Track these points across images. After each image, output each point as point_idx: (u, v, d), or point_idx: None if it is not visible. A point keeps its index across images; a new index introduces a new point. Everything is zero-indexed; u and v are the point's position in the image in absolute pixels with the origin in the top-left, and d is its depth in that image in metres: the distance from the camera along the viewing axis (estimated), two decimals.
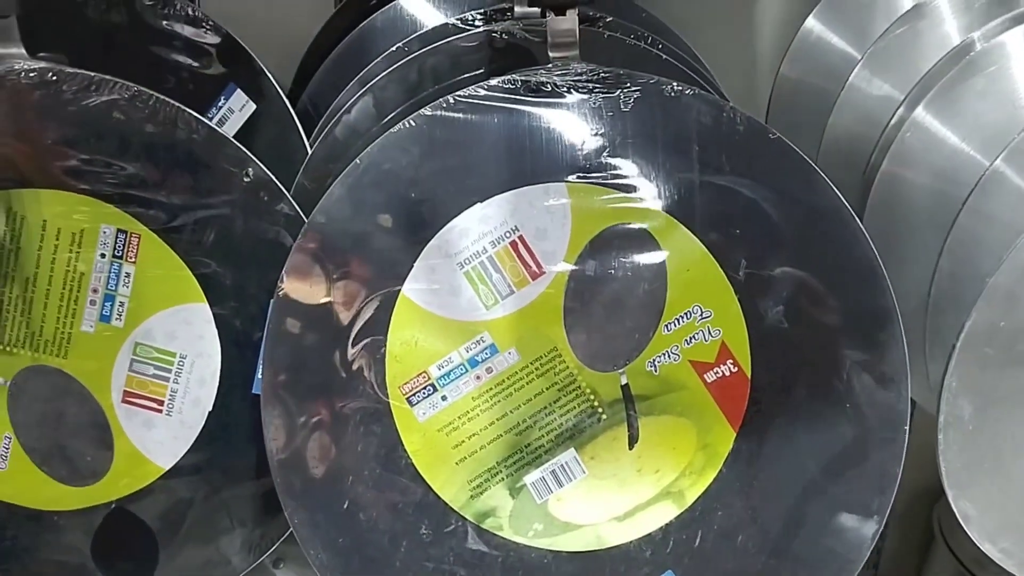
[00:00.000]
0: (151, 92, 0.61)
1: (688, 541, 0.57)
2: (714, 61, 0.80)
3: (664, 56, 0.66)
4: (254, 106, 0.71)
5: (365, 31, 0.73)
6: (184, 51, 0.72)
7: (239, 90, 0.71)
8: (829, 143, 0.74)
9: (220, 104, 0.72)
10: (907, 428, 0.56)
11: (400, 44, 0.68)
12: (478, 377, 0.59)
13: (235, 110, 0.72)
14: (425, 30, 0.68)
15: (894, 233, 0.69)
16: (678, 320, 0.58)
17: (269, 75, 0.71)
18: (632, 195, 0.58)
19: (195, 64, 0.72)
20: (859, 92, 0.74)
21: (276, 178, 0.64)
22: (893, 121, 0.69)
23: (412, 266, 0.59)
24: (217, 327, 0.64)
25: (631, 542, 0.58)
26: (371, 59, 0.69)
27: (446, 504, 0.59)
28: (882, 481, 0.56)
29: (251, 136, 0.72)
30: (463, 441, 0.59)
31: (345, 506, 0.59)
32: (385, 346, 0.59)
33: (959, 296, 0.61)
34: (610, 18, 0.68)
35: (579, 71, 0.57)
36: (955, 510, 0.60)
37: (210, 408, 0.65)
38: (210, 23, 0.71)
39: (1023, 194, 0.62)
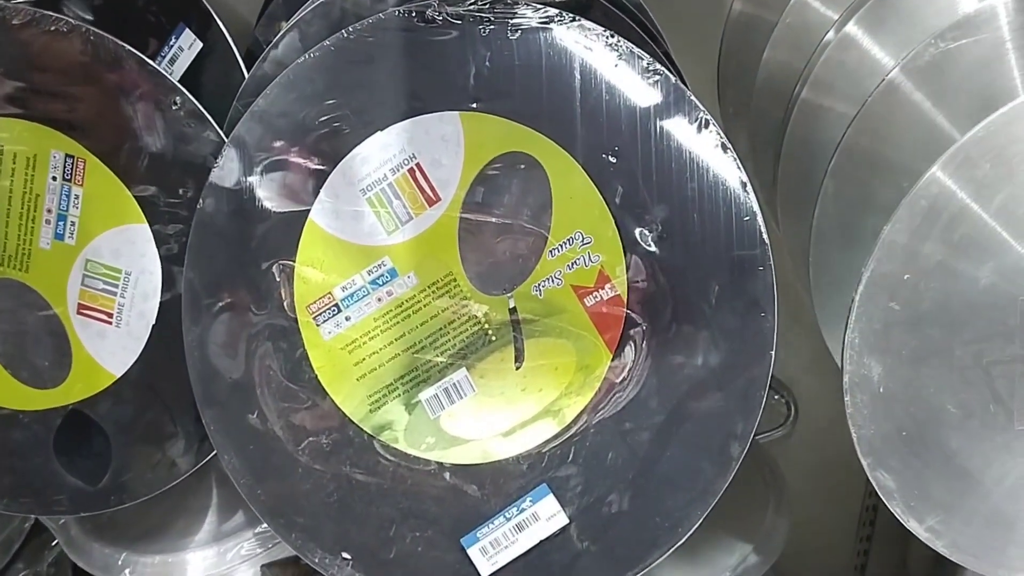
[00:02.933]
0: (88, 26, 0.66)
1: (562, 457, 0.60)
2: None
3: None
4: (201, 44, 0.76)
5: None
6: None
7: (188, 30, 0.75)
8: (762, 79, 0.73)
9: (171, 43, 0.76)
10: (772, 353, 0.57)
11: None
12: (379, 299, 0.63)
13: (184, 48, 0.76)
14: None
15: (811, 166, 0.68)
16: (561, 246, 0.60)
17: (215, 16, 0.75)
18: (520, 123, 0.60)
19: (148, 5, 0.77)
20: (797, 21, 0.72)
21: (219, 110, 0.68)
22: (818, 49, 0.68)
23: (319, 192, 0.62)
24: (156, 246, 0.70)
25: (513, 457, 0.61)
26: None
27: (347, 417, 0.63)
28: (747, 404, 0.58)
29: (200, 72, 0.77)
30: (364, 359, 0.63)
31: (255, 415, 0.64)
32: (294, 267, 0.63)
33: (846, 225, 0.60)
34: None
35: (470, 2, 0.59)
36: (872, 482, 0.59)
37: (153, 321, 0.71)
38: None
39: (918, 109, 0.59)
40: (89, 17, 0.77)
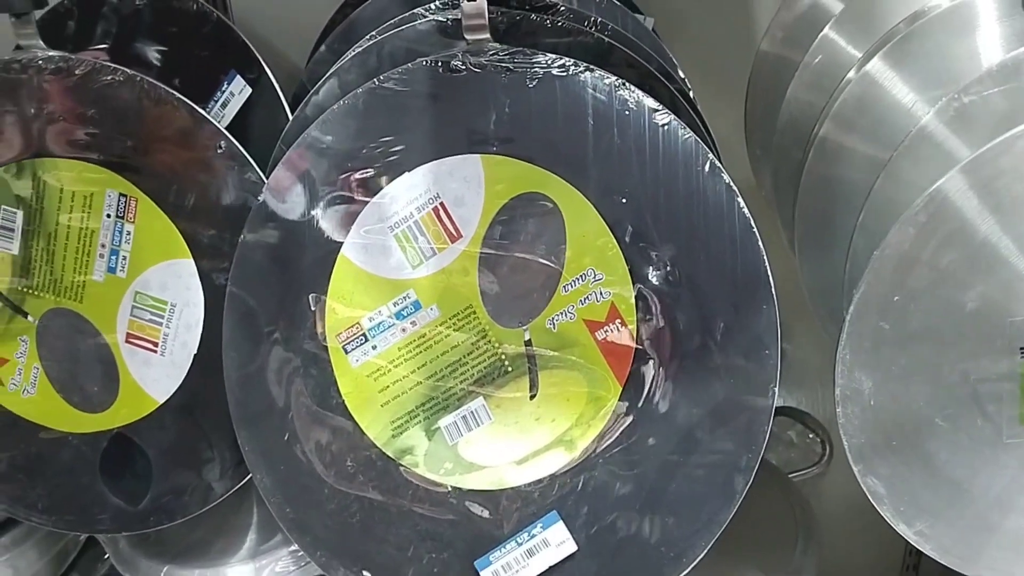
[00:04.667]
0: (142, 76, 0.72)
1: (572, 486, 0.63)
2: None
3: (607, 40, 0.71)
4: (251, 90, 0.82)
5: (354, 20, 0.82)
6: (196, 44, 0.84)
7: (239, 76, 0.81)
8: (785, 118, 0.76)
9: (224, 88, 0.82)
10: (775, 388, 0.59)
11: (374, 33, 0.76)
12: (404, 330, 0.67)
13: (235, 93, 0.83)
14: (394, 19, 0.76)
15: (828, 205, 0.71)
16: (575, 282, 0.64)
17: (263, 64, 0.81)
18: (536, 166, 0.64)
19: (204, 54, 0.83)
20: (820, 60, 0.75)
21: (267, 151, 0.74)
22: (839, 87, 0.71)
23: (350, 229, 0.67)
24: (200, 279, 0.75)
25: (525, 484, 0.64)
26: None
27: (371, 441, 0.67)
28: (751, 439, 0.60)
29: (250, 115, 0.83)
30: (388, 386, 0.67)
31: (286, 437, 0.68)
32: (325, 298, 0.67)
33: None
34: (563, 6, 0.74)
35: (491, 52, 0.63)
36: (863, 487, 0.62)
37: (195, 351, 0.76)
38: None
39: (947, 156, 0.62)
40: (157, 62, 0.83)
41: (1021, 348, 0.59)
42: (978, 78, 0.59)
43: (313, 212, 0.68)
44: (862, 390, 0.60)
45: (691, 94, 0.76)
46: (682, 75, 0.79)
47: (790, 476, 0.97)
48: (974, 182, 0.56)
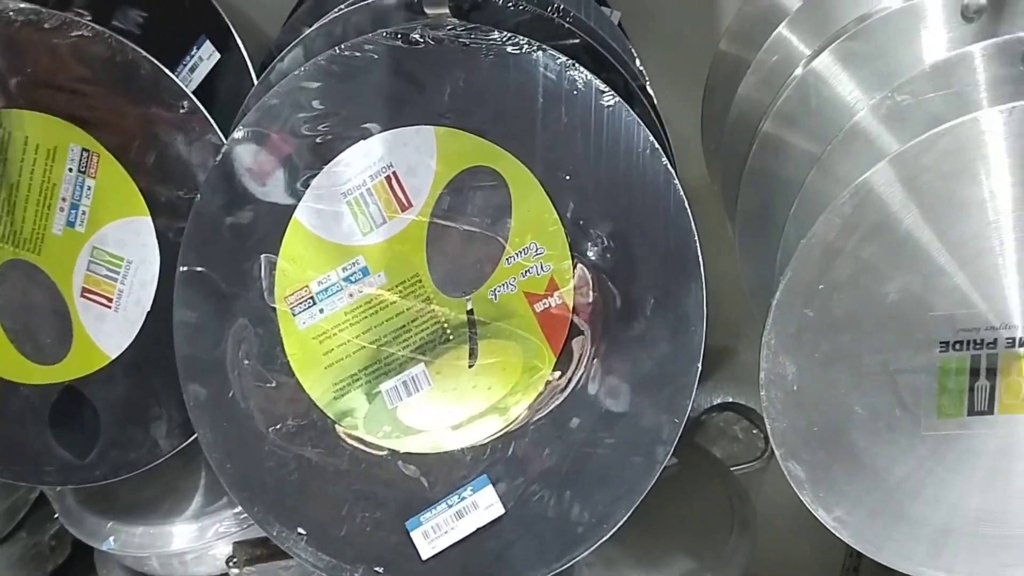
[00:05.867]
0: (111, 32, 0.73)
1: (503, 451, 0.65)
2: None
3: (567, 25, 0.73)
4: (219, 55, 0.84)
5: None
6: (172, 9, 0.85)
7: (208, 41, 0.83)
8: (734, 114, 0.78)
9: (193, 53, 0.84)
10: (699, 366, 0.61)
11: (342, 5, 0.78)
12: (351, 295, 0.69)
13: (204, 58, 0.84)
14: None
15: (766, 200, 0.73)
16: (517, 255, 0.66)
17: (233, 30, 0.83)
18: (487, 140, 0.66)
19: (179, 20, 0.85)
20: (771, 58, 0.77)
21: (234, 116, 0.76)
22: (785, 85, 0.73)
23: (304, 193, 0.69)
24: (157, 238, 0.76)
25: (459, 449, 0.66)
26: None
27: (313, 402, 0.69)
28: (674, 411, 0.62)
29: (218, 80, 0.84)
30: (332, 349, 0.69)
31: (231, 394, 0.70)
32: (276, 260, 0.69)
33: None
34: None
35: (449, 27, 0.65)
36: (785, 471, 0.64)
37: (148, 308, 0.78)
38: None
39: (877, 152, 0.64)
40: (134, 28, 0.85)
41: (940, 342, 0.61)
42: (911, 78, 0.61)
43: (268, 176, 0.69)
44: (786, 375, 0.62)
45: (648, 84, 0.78)
46: (640, 66, 0.81)
47: (732, 469, 0.99)
48: (899, 177, 0.58)
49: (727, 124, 0.80)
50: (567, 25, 0.74)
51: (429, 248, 0.68)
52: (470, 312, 0.68)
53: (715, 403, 1.07)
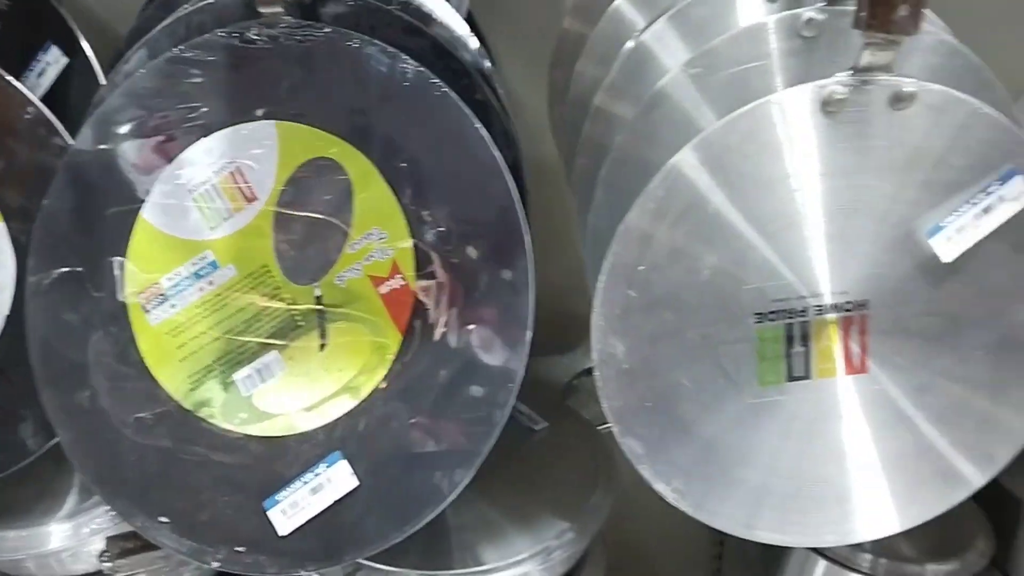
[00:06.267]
0: None
1: (354, 427, 0.68)
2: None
3: (406, 18, 0.76)
4: (67, 60, 0.84)
5: None
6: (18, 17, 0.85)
7: (54, 47, 0.84)
8: (573, 90, 0.82)
9: (39, 58, 0.85)
10: (529, 332, 0.66)
11: (186, 5, 0.80)
12: (201, 289, 0.71)
13: (51, 63, 0.85)
14: None
15: (597, 171, 0.77)
16: (360, 241, 0.69)
17: (78, 34, 0.84)
18: (326, 132, 0.68)
19: (25, 27, 0.85)
20: (607, 34, 0.81)
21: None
22: (617, 58, 0.77)
23: (150, 191, 0.70)
24: (11, 242, 0.77)
25: (313, 429, 0.69)
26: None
27: (169, 395, 0.71)
28: (507, 378, 0.67)
29: (69, 84, 0.85)
30: (186, 342, 0.71)
31: (87, 393, 0.71)
32: (126, 259, 0.71)
33: (611, 230, 0.69)
34: None
35: (283, 25, 0.68)
36: (623, 448, 0.68)
37: (7, 312, 0.78)
38: None
39: (679, 124, 0.68)
40: None
41: (755, 314, 0.66)
42: (705, 51, 0.66)
43: (114, 175, 0.71)
44: (616, 354, 0.65)
45: (489, 67, 0.82)
46: (479, 49, 0.84)
47: (598, 428, 1.04)
48: (703, 160, 0.62)
49: (567, 99, 0.84)
50: (407, 18, 0.77)
51: (276, 239, 0.71)
52: (318, 298, 0.70)
53: (584, 368, 1.12)
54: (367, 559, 0.85)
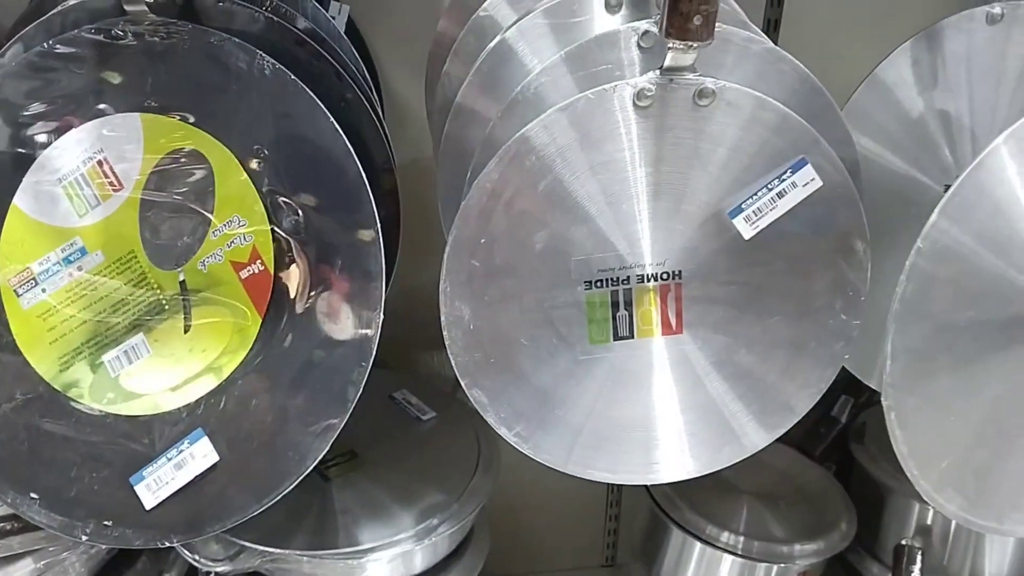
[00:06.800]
0: None
1: (215, 405, 0.72)
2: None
3: (276, 19, 0.80)
4: None
5: None
6: None
7: None
8: (440, 89, 0.87)
9: None
10: (380, 314, 0.70)
11: (64, 3, 0.83)
12: (71, 274, 0.74)
13: None
14: None
15: (458, 165, 0.82)
16: (222, 228, 0.73)
17: None
18: (190, 123, 0.72)
19: None
20: (473, 36, 0.87)
21: None
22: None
23: (21, 181, 0.74)
24: None
25: (177, 408, 0.73)
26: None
27: (39, 376, 0.74)
28: (361, 355, 0.72)
29: None
30: (56, 325, 0.74)
31: None
32: None
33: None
34: None
35: (148, 22, 0.72)
36: (471, 399, 0.74)
37: None
38: None
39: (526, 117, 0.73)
40: None
41: (584, 282, 0.72)
42: (550, 64, 0.72)
43: None
44: (463, 317, 0.72)
45: (356, 68, 0.86)
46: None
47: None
48: (534, 145, 0.69)
49: (436, 98, 0.89)
50: (277, 20, 0.82)
51: (142, 226, 0.75)
52: (183, 283, 0.74)
53: None
54: (251, 542, 0.89)
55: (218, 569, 0.91)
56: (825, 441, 1.28)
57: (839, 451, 1.29)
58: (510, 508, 1.30)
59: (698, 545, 1.15)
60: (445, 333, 0.72)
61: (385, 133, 0.85)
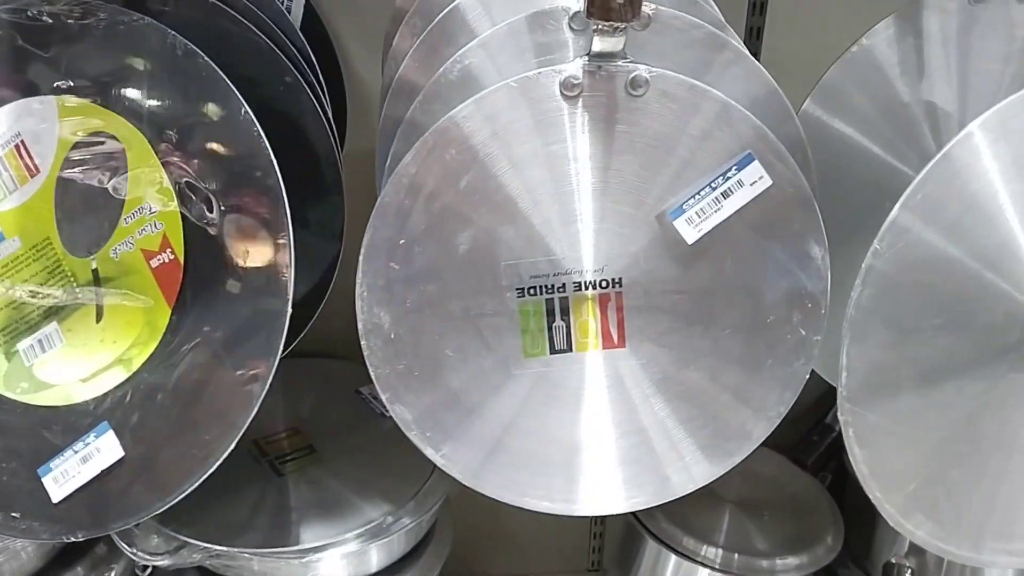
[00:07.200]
0: None
1: (122, 399, 0.70)
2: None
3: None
4: None
5: None
6: None
7: None
8: (389, 70, 0.83)
9: None
10: (288, 310, 0.68)
11: None
12: None
13: None
14: None
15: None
16: (134, 215, 0.70)
17: None
18: (103, 106, 0.70)
19: None
20: (424, 10, 0.82)
21: None
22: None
23: None
24: None
25: (87, 400, 0.71)
26: None
27: None
28: (268, 350, 0.69)
29: None
30: None
31: None
32: None
33: None
34: None
35: (63, 3, 0.70)
36: (392, 415, 0.70)
37: None
38: None
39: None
40: None
41: (516, 288, 0.67)
42: (469, 48, 0.68)
43: None
44: (382, 324, 0.67)
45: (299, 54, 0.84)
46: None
47: None
48: (454, 136, 0.64)
49: (383, 78, 0.86)
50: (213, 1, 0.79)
51: (58, 212, 0.73)
52: (95, 271, 0.72)
53: None
54: (196, 537, 0.87)
55: (157, 563, 0.90)
56: (818, 449, 1.22)
57: (834, 460, 1.23)
58: (493, 509, 1.27)
59: (673, 557, 1.10)
60: (363, 342, 0.67)
61: (328, 121, 0.82)
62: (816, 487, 1.20)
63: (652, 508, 1.09)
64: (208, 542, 0.89)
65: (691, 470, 0.71)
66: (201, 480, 0.69)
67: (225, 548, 0.90)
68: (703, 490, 1.13)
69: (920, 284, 0.66)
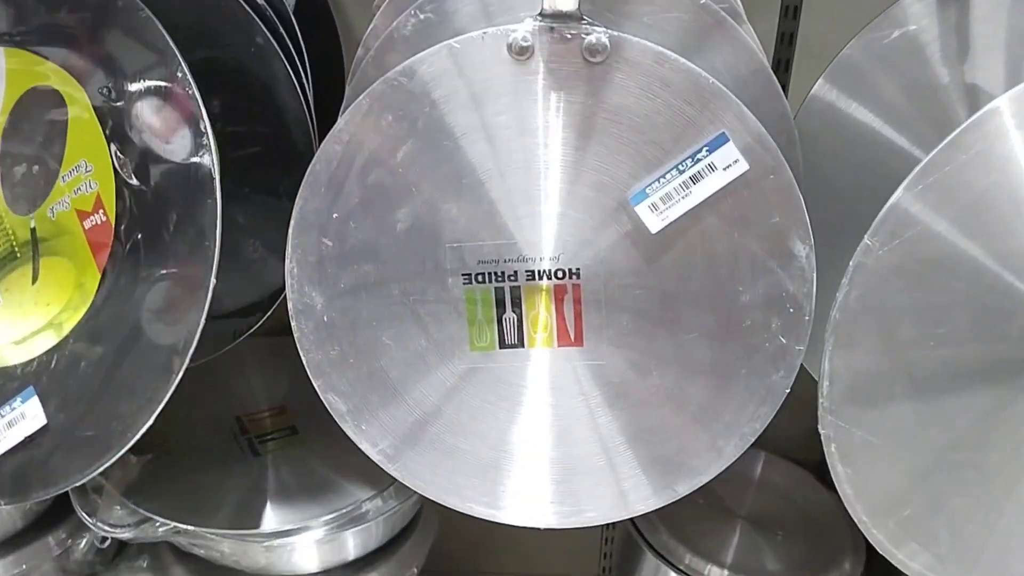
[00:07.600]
0: None
1: (48, 364, 0.67)
2: None
3: None
4: None
5: None
6: None
7: None
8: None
9: None
10: (212, 279, 0.63)
11: None
12: None
13: None
14: None
15: None
16: (71, 173, 0.67)
17: None
18: (50, 60, 0.67)
19: None
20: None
21: None
22: None
23: None
24: None
25: (17, 363, 0.68)
26: None
27: None
28: (188, 327, 0.64)
29: None
30: None
31: None
32: None
33: None
34: None
35: None
36: (325, 404, 0.65)
37: None
38: None
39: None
40: None
41: (463, 274, 0.61)
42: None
43: None
44: (314, 305, 0.62)
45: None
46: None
47: None
48: (388, 103, 0.58)
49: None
50: None
51: (1, 168, 0.70)
52: (33, 231, 0.70)
53: None
54: (156, 513, 0.85)
55: (117, 535, 0.87)
56: None
57: None
58: None
59: (672, 575, 1.03)
60: (293, 323, 0.62)
61: (303, 87, 0.78)
62: (837, 505, 1.09)
63: (655, 519, 1.05)
64: (172, 519, 0.86)
65: (649, 486, 0.64)
66: (123, 452, 0.66)
67: (188, 526, 0.87)
68: (713, 501, 1.07)
69: (922, 285, 0.57)
